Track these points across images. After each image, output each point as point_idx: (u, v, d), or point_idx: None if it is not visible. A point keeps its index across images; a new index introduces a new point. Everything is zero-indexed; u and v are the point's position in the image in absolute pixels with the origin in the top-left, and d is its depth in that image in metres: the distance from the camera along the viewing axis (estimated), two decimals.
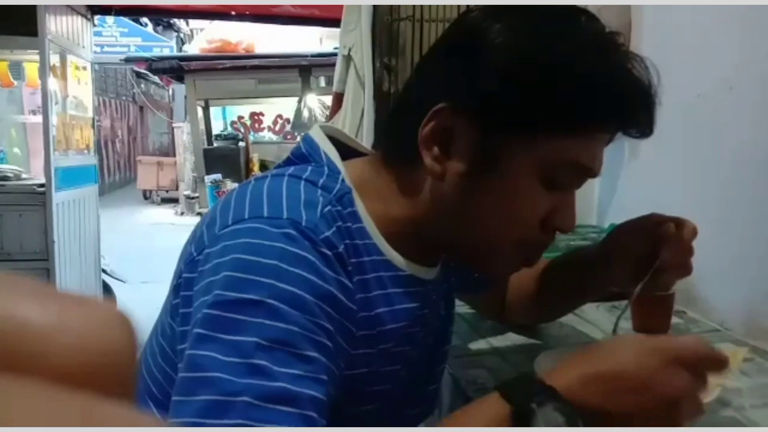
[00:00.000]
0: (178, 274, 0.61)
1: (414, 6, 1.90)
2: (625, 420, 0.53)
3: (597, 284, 0.87)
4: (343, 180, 0.64)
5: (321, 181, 0.63)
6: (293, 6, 4.07)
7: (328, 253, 0.57)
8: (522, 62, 0.59)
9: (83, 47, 3.99)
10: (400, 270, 0.66)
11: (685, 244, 0.74)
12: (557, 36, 0.60)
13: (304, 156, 0.68)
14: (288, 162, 0.69)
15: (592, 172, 0.64)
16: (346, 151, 0.71)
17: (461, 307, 1.08)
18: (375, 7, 1.92)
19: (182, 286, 0.59)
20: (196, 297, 0.55)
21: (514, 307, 0.99)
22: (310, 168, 0.65)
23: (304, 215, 0.57)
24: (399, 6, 1.91)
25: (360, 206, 0.64)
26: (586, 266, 0.85)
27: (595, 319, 1.10)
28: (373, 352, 0.63)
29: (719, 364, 0.56)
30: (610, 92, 0.59)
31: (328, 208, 0.60)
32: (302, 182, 0.62)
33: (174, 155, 11.23)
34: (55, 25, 3.46)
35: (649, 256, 0.75)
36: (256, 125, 6.61)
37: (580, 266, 0.87)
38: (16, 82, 4.57)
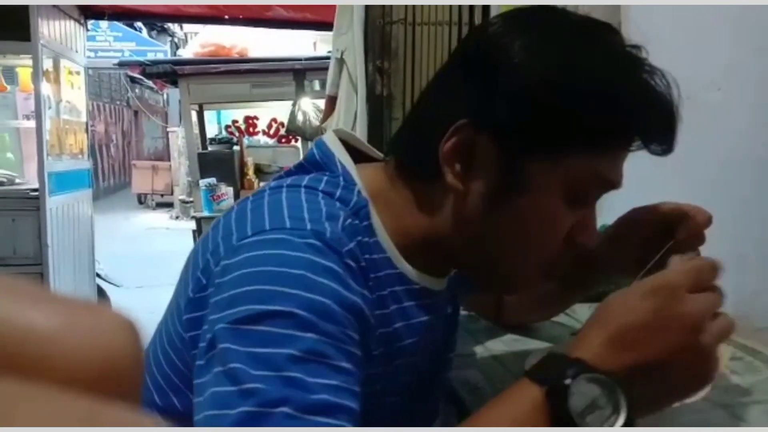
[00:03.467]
0: (194, 288, 0.58)
1: (406, 9, 1.90)
2: (664, 370, 0.52)
3: (600, 267, 0.84)
4: (359, 192, 0.62)
5: (337, 193, 0.61)
6: (286, 9, 4.07)
7: (353, 265, 0.56)
8: (544, 82, 0.57)
9: (76, 52, 3.98)
10: (414, 283, 0.65)
11: (699, 229, 0.72)
12: (579, 54, 0.59)
13: (317, 163, 0.66)
14: (300, 168, 0.67)
15: (614, 185, 0.63)
16: (358, 154, 0.69)
17: None
18: (367, 10, 1.92)
19: (199, 302, 0.56)
20: (216, 310, 0.53)
21: (511, 306, 0.98)
22: (325, 178, 0.63)
23: (327, 228, 0.56)
24: (391, 9, 1.91)
25: (375, 219, 0.62)
26: (591, 254, 0.84)
27: (585, 319, 1.10)
28: (390, 369, 0.62)
29: (714, 270, 0.55)
30: (633, 110, 0.58)
31: (349, 221, 0.58)
32: (319, 194, 0.60)
33: (168, 159, 11.21)
34: (48, 30, 3.46)
35: (659, 241, 0.73)
36: (251, 129, 6.60)
37: (584, 256, 0.86)
38: (9, 87, 4.54)
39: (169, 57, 9.16)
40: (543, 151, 0.59)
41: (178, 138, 9.46)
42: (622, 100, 0.58)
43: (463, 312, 1.11)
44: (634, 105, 0.58)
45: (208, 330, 0.52)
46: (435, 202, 0.64)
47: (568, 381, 0.49)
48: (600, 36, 0.61)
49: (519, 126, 0.58)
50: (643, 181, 1.36)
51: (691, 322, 0.52)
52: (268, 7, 4.08)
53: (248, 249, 0.54)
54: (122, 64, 6.86)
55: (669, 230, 0.73)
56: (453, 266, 0.70)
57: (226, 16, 4.27)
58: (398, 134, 0.71)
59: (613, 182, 0.62)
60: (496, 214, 0.61)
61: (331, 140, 0.67)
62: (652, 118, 0.59)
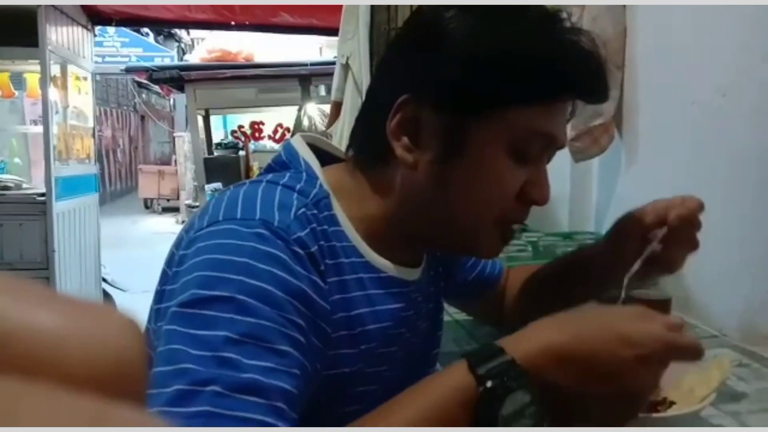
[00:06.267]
0: (161, 280, 0.62)
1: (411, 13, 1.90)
2: (580, 398, 0.53)
3: (603, 275, 0.84)
4: (320, 185, 0.65)
5: (298, 186, 0.64)
6: (292, 15, 4.08)
7: (300, 252, 0.58)
8: (477, 43, 0.61)
9: (84, 57, 4.01)
10: (381, 271, 0.67)
11: (691, 214, 0.73)
12: (508, 16, 0.64)
13: (284, 163, 0.69)
14: (268, 169, 0.71)
15: (558, 140, 0.66)
16: (330, 158, 0.72)
17: (458, 314, 1.08)
18: (373, 15, 1.93)
19: (164, 293, 0.60)
20: (170, 297, 0.56)
21: (512, 311, 0.98)
22: (288, 174, 0.66)
23: (276, 216, 0.59)
24: (397, 14, 1.92)
25: (338, 210, 0.65)
26: (591, 258, 0.85)
27: None
28: (355, 352, 0.64)
29: (692, 353, 0.55)
30: (563, 63, 0.62)
31: (303, 210, 0.61)
32: (279, 187, 0.63)
33: (175, 164, 11.25)
34: (55, 36, 3.48)
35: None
36: (257, 134, 6.60)
37: (584, 260, 0.87)
38: (17, 93, 4.57)
39: (175, 62, 9.20)
40: (483, 111, 0.62)
41: (184, 143, 9.49)
42: (548, 54, 0.62)
43: (467, 317, 1.11)
44: (558, 58, 0.62)
45: (162, 316, 0.56)
46: (391, 183, 0.67)
47: (501, 392, 0.51)
48: (524, 4, 0.65)
49: (457, 89, 0.62)
50: (651, 186, 1.35)
51: (639, 391, 0.54)
52: (275, 13, 4.10)
53: (201, 239, 0.58)
54: (129, 70, 6.88)
55: (663, 226, 0.74)
56: (420, 245, 0.73)
57: (233, 22, 4.29)
58: (353, 129, 0.74)
59: (552, 135, 0.65)
60: (448, 179, 0.64)
61: (297, 142, 0.71)
62: (577, 70, 0.63)
